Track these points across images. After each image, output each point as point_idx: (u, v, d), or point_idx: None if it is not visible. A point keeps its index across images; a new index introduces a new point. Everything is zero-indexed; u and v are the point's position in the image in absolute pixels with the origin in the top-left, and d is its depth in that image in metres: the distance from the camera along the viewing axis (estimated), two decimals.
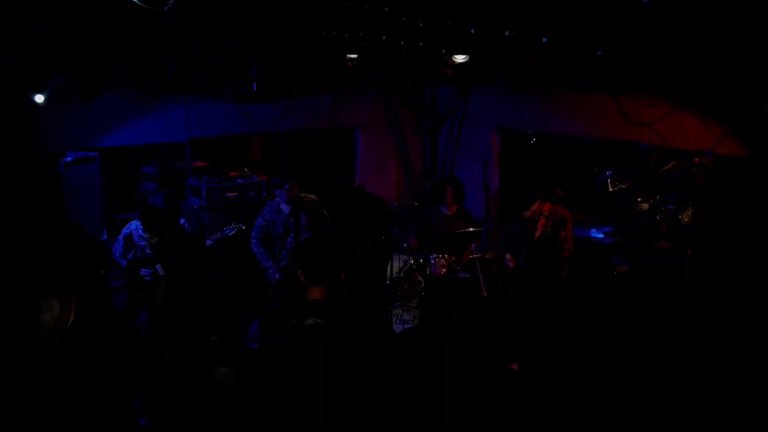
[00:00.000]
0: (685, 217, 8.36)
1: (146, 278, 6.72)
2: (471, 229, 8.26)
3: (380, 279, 7.87)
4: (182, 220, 7.21)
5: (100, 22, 6.43)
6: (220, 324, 4.19)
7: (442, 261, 7.99)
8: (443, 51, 6.91)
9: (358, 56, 7.60)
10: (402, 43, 6.56)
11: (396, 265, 7.87)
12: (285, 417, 3.49)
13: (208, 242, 7.13)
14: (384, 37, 6.46)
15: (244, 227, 7.27)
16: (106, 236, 8.01)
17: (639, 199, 8.72)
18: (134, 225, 6.94)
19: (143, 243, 6.83)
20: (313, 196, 7.69)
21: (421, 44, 6.61)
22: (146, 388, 4.59)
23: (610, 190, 9.30)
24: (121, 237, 6.93)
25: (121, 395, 4.27)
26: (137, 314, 6.74)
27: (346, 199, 9.58)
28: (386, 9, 6.12)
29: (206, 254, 7.06)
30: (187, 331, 4.23)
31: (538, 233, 7.39)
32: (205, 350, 3.99)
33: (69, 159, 7.61)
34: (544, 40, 6.17)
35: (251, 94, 8.19)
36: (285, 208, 7.33)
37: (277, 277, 7.22)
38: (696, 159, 7.69)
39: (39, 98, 6.91)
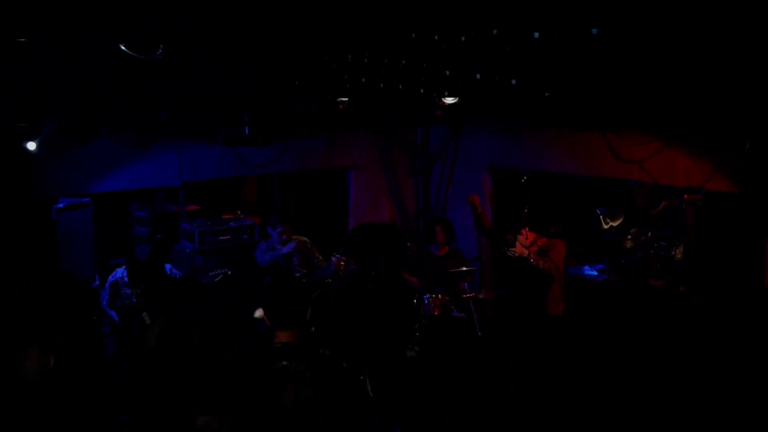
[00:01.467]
0: (678, 253, 8.36)
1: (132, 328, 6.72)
2: (464, 268, 8.27)
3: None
4: (168, 267, 7.24)
5: (92, 67, 6.50)
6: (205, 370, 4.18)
7: (436, 300, 7.97)
8: (428, 92, 6.98)
9: (348, 99, 7.68)
10: (382, 85, 6.63)
11: None
12: None
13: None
14: (364, 81, 6.52)
15: (229, 272, 7.34)
16: (98, 282, 7.98)
17: (629, 237, 8.72)
18: (120, 273, 7.02)
19: (128, 291, 6.87)
20: (305, 239, 7.79)
21: (401, 86, 6.67)
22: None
23: (603, 227, 9.31)
24: (107, 285, 7.01)
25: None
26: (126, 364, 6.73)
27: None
28: (367, 53, 6.19)
29: (199, 297, 7.03)
30: (176, 378, 4.21)
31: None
32: (189, 398, 3.97)
33: (61, 205, 7.61)
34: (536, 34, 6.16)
35: (243, 138, 8.26)
36: (279, 247, 7.51)
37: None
38: (686, 196, 7.71)
39: (31, 145, 6.95)
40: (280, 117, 8.26)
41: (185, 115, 7.65)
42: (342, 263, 7.88)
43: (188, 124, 7.95)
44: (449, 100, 7.38)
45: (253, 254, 7.84)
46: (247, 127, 8.04)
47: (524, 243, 7.44)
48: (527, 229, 7.51)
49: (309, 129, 9.29)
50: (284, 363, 3.71)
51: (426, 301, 7.94)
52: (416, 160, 10.63)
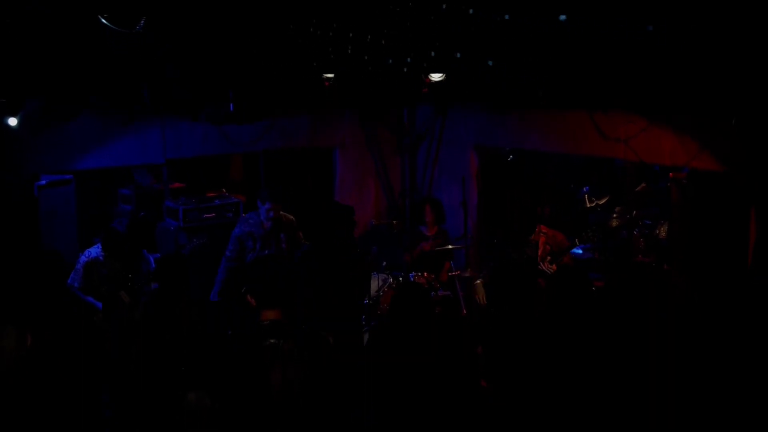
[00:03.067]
0: (662, 231, 8.40)
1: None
2: (450, 247, 8.30)
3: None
4: (144, 251, 7.13)
5: (74, 46, 6.42)
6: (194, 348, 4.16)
7: (422, 279, 7.98)
8: (414, 69, 6.95)
9: (334, 76, 7.63)
10: (366, 58, 6.58)
11: (375, 284, 7.86)
12: None
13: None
14: (350, 52, 6.47)
15: (204, 242, 7.24)
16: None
17: (614, 216, 8.75)
18: (94, 252, 6.83)
19: (105, 271, 6.73)
20: (292, 217, 7.70)
21: (390, 61, 6.63)
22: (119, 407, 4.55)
23: (588, 206, 9.34)
24: (80, 266, 6.78)
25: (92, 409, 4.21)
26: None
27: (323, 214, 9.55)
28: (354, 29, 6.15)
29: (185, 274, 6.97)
30: (161, 355, 4.19)
31: (540, 252, 7.50)
32: (178, 375, 3.96)
33: (44, 182, 7.54)
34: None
35: (228, 116, 8.17)
36: (267, 222, 7.31)
37: (215, 299, 7.09)
38: (671, 174, 7.74)
39: (12, 121, 6.86)
40: (265, 94, 8.19)
41: (168, 93, 7.57)
42: None
43: (171, 101, 7.86)
44: (436, 77, 7.36)
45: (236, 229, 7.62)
46: (231, 105, 7.96)
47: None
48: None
49: (294, 107, 9.22)
50: (271, 341, 3.69)
51: (411, 279, 7.95)
52: (402, 139, 10.59)
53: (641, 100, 7.23)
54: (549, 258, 7.57)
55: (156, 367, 4.66)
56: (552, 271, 7.46)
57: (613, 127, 8.09)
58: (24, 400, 3.70)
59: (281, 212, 7.45)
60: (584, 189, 9.57)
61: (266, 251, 7.27)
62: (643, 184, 9.12)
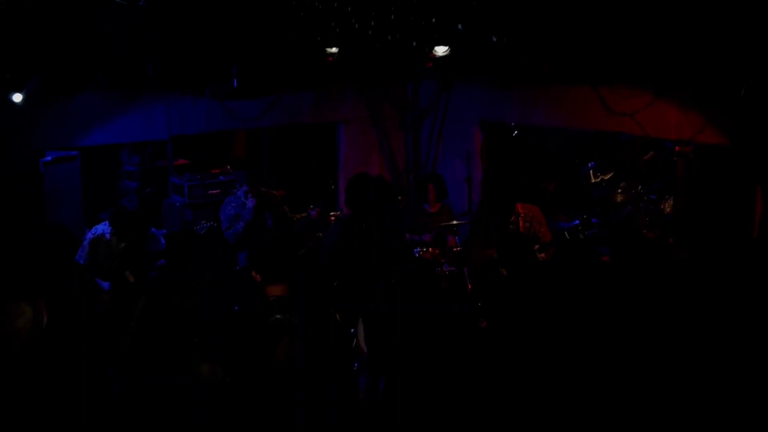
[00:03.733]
0: (667, 206, 8.39)
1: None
2: (455, 222, 8.29)
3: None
4: (153, 229, 7.13)
5: (78, 20, 6.39)
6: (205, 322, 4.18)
7: (427, 254, 7.99)
8: (419, 43, 6.91)
9: (338, 51, 7.59)
10: (370, 33, 6.54)
11: None
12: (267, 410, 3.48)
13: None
14: (356, 26, 6.43)
15: (215, 224, 7.28)
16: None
17: (619, 190, 8.74)
18: (101, 229, 6.81)
19: (110, 249, 6.71)
20: (275, 193, 7.75)
21: (395, 36, 6.59)
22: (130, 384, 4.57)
23: (593, 181, 9.32)
24: (86, 243, 6.76)
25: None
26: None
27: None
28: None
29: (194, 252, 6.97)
30: (172, 330, 4.20)
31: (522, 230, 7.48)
32: (190, 349, 3.98)
33: (49, 158, 7.54)
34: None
35: (232, 91, 8.16)
36: (249, 202, 7.43)
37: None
38: (677, 148, 7.72)
39: (17, 97, 6.84)
40: (268, 70, 8.16)
41: (173, 68, 7.55)
42: (331, 217, 7.86)
43: (176, 77, 7.84)
44: (440, 52, 7.33)
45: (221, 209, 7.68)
46: (235, 80, 7.94)
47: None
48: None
49: (298, 83, 9.18)
50: (277, 316, 3.71)
51: (416, 256, 7.96)
52: (406, 115, 10.56)
53: (647, 74, 7.21)
54: (537, 247, 7.52)
55: (163, 342, 4.68)
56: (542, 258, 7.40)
57: (618, 102, 8.06)
58: (36, 376, 3.72)
59: (263, 189, 7.58)
60: (589, 164, 9.55)
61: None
62: (652, 152, 9.10)
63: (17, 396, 3.51)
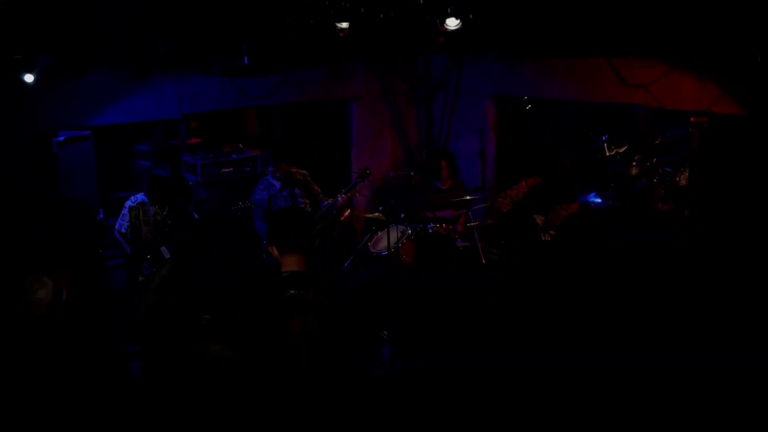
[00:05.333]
0: (683, 178, 8.30)
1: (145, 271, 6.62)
2: (468, 197, 8.28)
3: None
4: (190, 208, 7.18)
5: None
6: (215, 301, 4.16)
7: (440, 230, 7.98)
8: (431, 17, 6.85)
9: (348, 26, 7.52)
10: (381, 7, 6.48)
11: (393, 235, 7.86)
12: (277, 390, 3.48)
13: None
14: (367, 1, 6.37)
15: (250, 204, 7.32)
16: (102, 215, 7.97)
17: (634, 163, 8.65)
18: (141, 198, 6.79)
19: (150, 219, 6.72)
20: (305, 172, 7.77)
21: (406, 10, 6.53)
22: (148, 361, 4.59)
23: (607, 154, 9.22)
24: (125, 211, 6.75)
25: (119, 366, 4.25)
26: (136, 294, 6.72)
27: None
28: None
29: (218, 234, 7.02)
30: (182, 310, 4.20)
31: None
32: (198, 328, 3.97)
33: (62, 138, 7.55)
34: None
35: (242, 69, 8.13)
36: (276, 183, 7.50)
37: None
38: (692, 119, 7.63)
39: (28, 77, 6.86)
40: (279, 47, 8.12)
41: (183, 46, 7.53)
42: (347, 212, 7.91)
43: (186, 54, 7.82)
44: (452, 26, 7.25)
45: (252, 192, 7.74)
46: (246, 57, 7.91)
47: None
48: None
49: (309, 59, 9.14)
50: (291, 292, 3.67)
51: (430, 231, 7.95)
52: (418, 90, 10.50)
53: (661, 44, 7.13)
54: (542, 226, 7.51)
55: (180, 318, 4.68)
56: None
57: (632, 73, 7.98)
58: (57, 352, 3.74)
59: (292, 169, 7.63)
60: (603, 137, 9.46)
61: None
62: (660, 138, 8.99)
63: (33, 369, 3.53)
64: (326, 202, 7.81)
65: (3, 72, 6.79)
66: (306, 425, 3.51)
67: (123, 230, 6.71)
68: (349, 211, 8.04)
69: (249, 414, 3.61)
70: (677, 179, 8.42)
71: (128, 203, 6.77)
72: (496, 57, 9.40)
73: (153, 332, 4.79)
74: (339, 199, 7.71)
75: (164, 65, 8.08)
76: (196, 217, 7.11)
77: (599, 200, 8.75)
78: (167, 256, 6.55)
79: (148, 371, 4.87)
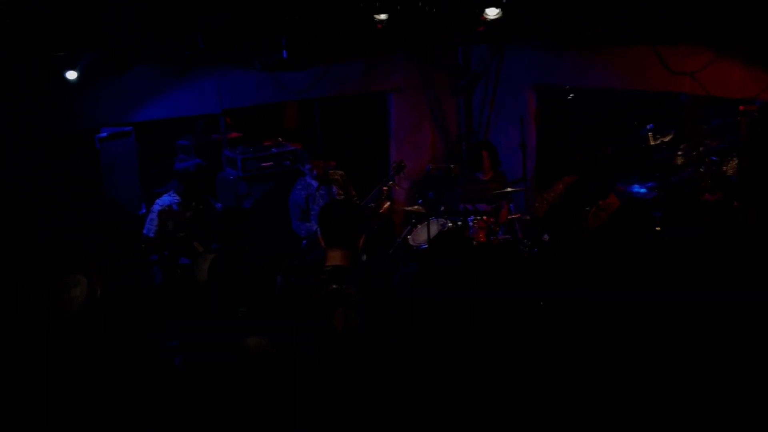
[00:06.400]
0: (730, 168, 8.11)
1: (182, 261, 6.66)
2: (509, 189, 8.18)
3: None
4: (210, 198, 7.20)
5: None
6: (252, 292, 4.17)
7: (481, 222, 7.90)
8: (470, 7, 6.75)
9: (387, 17, 7.46)
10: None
11: (434, 228, 7.80)
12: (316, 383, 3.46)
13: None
14: None
15: (272, 184, 7.31)
16: (144, 210, 8.05)
17: (680, 153, 8.47)
18: (168, 200, 6.87)
19: (179, 218, 6.78)
20: (342, 172, 7.75)
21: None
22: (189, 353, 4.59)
23: (652, 143, 9.05)
24: (153, 215, 6.82)
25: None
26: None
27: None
28: None
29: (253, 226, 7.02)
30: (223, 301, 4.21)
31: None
32: (235, 320, 3.97)
33: (104, 134, 7.64)
34: None
35: (281, 62, 8.12)
36: (313, 182, 7.47)
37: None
38: (741, 107, 7.43)
39: (71, 74, 6.93)
40: (318, 40, 8.10)
41: (222, 41, 7.54)
42: (386, 204, 7.84)
43: (226, 50, 7.84)
44: (492, 15, 7.15)
45: (290, 195, 7.72)
46: (285, 51, 7.90)
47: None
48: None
49: (348, 52, 9.11)
50: (334, 286, 3.66)
51: (471, 224, 7.87)
52: (458, 81, 10.40)
53: (708, 31, 6.96)
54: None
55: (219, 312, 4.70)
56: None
57: (678, 60, 7.80)
58: (93, 348, 3.75)
59: (331, 164, 7.60)
60: (648, 126, 9.27)
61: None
62: (684, 145, 8.75)
63: (70, 365, 3.55)
64: (369, 197, 7.79)
65: (46, 70, 6.87)
66: (346, 418, 3.49)
67: (151, 235, 6.75)
68: (388, 203, 7.95)
69: (287, 406, 3.61)
70: (725, 168, 8.23)
71: (156, 207, 6.80)
72: (538, 46, 9.26)
73: (195, 323, 4.81)
74: (383, 188, 7.68)
75: (204, 61, 8.11)
76: (219, 206, 7.13)
77: (643, 190, 8.59)
78: (200, 249, 6.59)
79: (189, 364, 4.89)
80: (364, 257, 6.86)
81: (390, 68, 9.87)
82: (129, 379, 3.75)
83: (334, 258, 3.71)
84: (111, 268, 5.13)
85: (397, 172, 7.88)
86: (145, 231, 6.83)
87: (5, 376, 3.42)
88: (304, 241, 7.29)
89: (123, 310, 4.63)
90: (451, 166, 9.19)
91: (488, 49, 9.97)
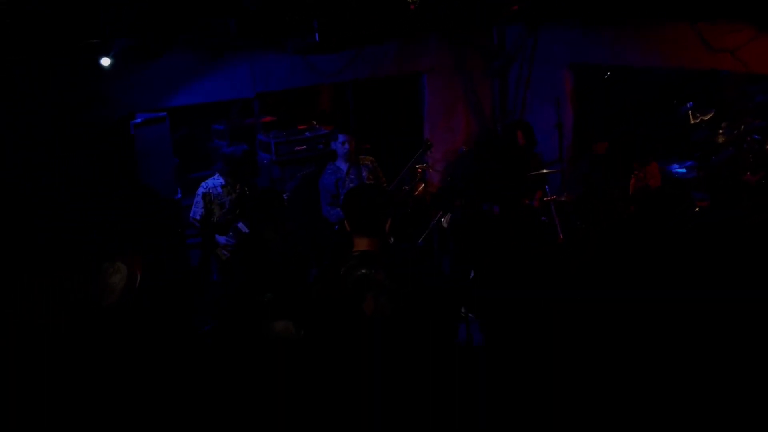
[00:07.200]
0: None
1: (228, 246, 6.70)
2: (545, 171, 8.07)
3: None
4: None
5: None
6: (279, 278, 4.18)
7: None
8: None
9: None
10: None
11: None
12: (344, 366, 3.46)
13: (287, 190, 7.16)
14: None
15: (316, 168, 7.29)
16: (180, 195, 8.12)
17: (720, 131, 8.27)
18: (211, 183, 6.91)
19: (224, 200, 6.83)
20: (372, 158, 7.68)
21: None
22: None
23: (692, 122, 8.86)
24: (198, 198, 6.87)
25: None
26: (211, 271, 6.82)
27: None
28: None
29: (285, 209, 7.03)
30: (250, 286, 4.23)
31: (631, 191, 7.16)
32: (261, 306, 3.98)
33: (139, 120, 7.69)
34: None
35: (314, 46, 8.10)
36: (343, 165, 7.35)
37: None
38: None
39: (105, 61, 6.99)
40: (350, 22, 8.05)
41: (255, 25, 7.54)
42: (420, 186, 7.76)
43: (258, 34, 7.84)
44: None
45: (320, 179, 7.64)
46: (317, 34, 7.87)
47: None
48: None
49: (380, 34, 9.04)
50: (363, 271, 3.64)
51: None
52: (492, 61, 10.27)
53: (749, 7, 6.79)
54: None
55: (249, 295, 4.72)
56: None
57: (718, 38, 7.62)
58: (132, 334, 3.80)
59: (360, 156, 7.47)
60: (687, 105, 9.08)
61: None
62: (724, 123, 8.53)
63: (112, 352, 3.60)
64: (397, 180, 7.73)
65: (81, 57, 6.93)
66: (377, 403, 3.49)
67: (198, 217, 6.81)
68: (423, 186, 7.89)
69: (318, 390, 3.61)
70: (767, 147, 8.03)
71: (201, 190, 6.86)
72: (574, 24, 9.10)
73: (225, 308, 4.86)
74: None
75: (237, 46, 8.12)
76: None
77: (683, 170, 8.43)
78: (245, 230, 6.62)
79: (222, 348, 4.94)
80: (392, 240, 6.81)
81: (423, 50, 9.78)
82: (166, 360, 3.79)
83: (361, 244, 3.68)
84: (149, 254, 5.16)
85: (424, 151, 7.81)
86: (191, 214, 6.90)
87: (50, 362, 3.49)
88: (337, 226, 7.28)
89: (162, 295, 4.68)
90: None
91: (523, 28, 9.83)
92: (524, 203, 7.83)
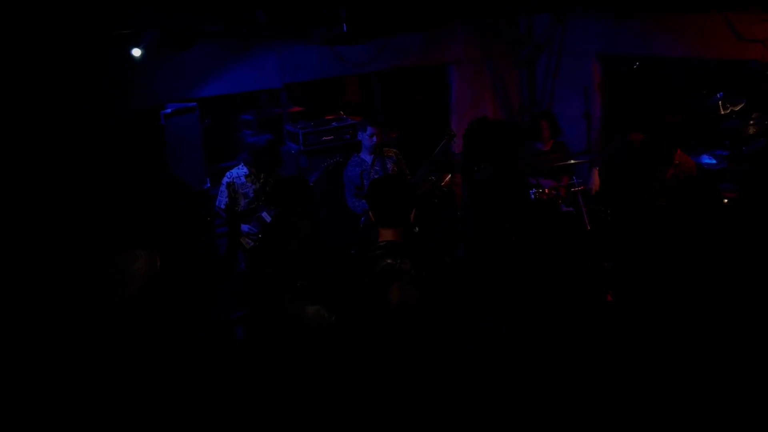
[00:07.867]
0: None
1: (251, 234, 6.76)
2: (572, 161, 8.04)
3: None
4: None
5: None
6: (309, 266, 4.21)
7: (543, 196, 7.81)
8: None
9: None
10: None
11: None
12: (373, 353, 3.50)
13: (311, 181, 7.19)
14: None
15: (341, 159, 7.32)
16: (209, 184, 8.20)
17: (751, 122, 8.18)
18: (235, 173, 7.01)
19: (247, 190, 6.92)
20: (396, 150, 7.69)
21: None
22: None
23: (722, 113, 8.76)
24: (223, 187, 6.98)
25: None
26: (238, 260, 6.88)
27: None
28: None
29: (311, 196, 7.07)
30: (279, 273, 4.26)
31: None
32: (293, 292, 4.02)
33: (169, 110, 7.76)
34: None
35: (342, 36, 8.13)
36: (367, 157, 7.37)
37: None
38: None
39: (136, 52, 7.08)
40: (377, 13, 8.06)
41: (283, 16, 7.58)
42: (447, 177, 7.74)
43: (286, 24, 7.87)
44: None
45: (344, 171, 7.67)
46: (344, 25, 7.90)
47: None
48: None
49: (408, 24, 9.05)
50: (389, 261, 3.68)
51: (532, 197, 7.79)
52: (520, 51, 10.23)
53: None
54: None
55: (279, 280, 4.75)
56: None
57: (749, 27, 7.52)
58: (154, 323, 3.86)
59: (384, 149, 7.49)
60: (718, 95, 8.98)
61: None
62: (756, 114, 8.42)
63: (132, 341, 3.66)
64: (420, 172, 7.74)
65: (112, 47, 7.02)
66: (402, 392, 3.53)
67: (222, 206, 6.93)
68: (449, 176, 7.90)
69: (346, 374, 3.65)
70: None
71: (225, 179, 6.99)
72: (602, 14, 9.04)
73: (255, 295, 4.90)
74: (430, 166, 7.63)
75: (265, 36, 8.16)
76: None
77: (713, 161, 8.35)
78: (268, 220, 6.68)
79: (251, 335, 4.99)
80: (416, 229, 6.83)
81: (450, 40, 9.77)
82: (191, 349, 3.85)
83: (386, 234, 3.72)
84: (173, 242, 5.23)
85: (448, 141, 7.82)
86: (217, 203, 7.02)
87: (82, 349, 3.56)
88: (363, 218, 7.32)
89: (186, 283, 4.74)
90: None
91: (551, 18, 9.78)
92: (519, 170, 7.81)
